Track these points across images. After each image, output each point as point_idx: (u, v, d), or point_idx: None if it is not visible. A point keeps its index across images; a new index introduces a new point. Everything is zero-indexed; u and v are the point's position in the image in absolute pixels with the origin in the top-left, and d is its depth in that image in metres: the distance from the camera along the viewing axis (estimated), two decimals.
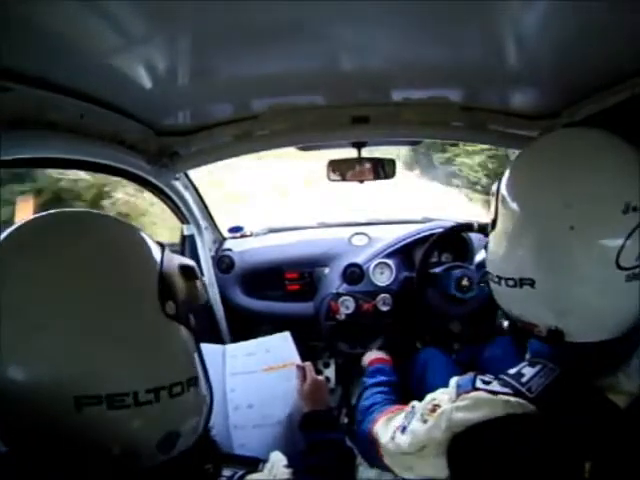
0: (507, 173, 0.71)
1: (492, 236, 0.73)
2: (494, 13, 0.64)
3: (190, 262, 0.62)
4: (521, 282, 0.64)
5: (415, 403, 0.76)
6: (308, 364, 1.09)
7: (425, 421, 0.70)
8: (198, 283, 0.62)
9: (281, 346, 1.17)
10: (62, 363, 0.44)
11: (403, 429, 0.74)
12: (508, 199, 0.68)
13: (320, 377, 1.06)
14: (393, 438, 0.76)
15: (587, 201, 0.59)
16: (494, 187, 0.73)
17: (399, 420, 0.77)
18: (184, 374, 0.52)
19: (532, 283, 0.63)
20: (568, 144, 0.66)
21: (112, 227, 0.56)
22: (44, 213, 0.54)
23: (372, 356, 1.27)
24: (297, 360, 1.12)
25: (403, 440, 0.73)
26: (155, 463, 0.50)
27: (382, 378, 1.11)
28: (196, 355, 0.56)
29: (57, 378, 0.44)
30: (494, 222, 0.71)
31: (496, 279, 0.70)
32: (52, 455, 0.45)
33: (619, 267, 0.57)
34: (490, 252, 0.74)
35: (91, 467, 0.46)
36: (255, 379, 1.09)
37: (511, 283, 0.66)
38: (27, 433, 0.46)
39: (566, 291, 0.61)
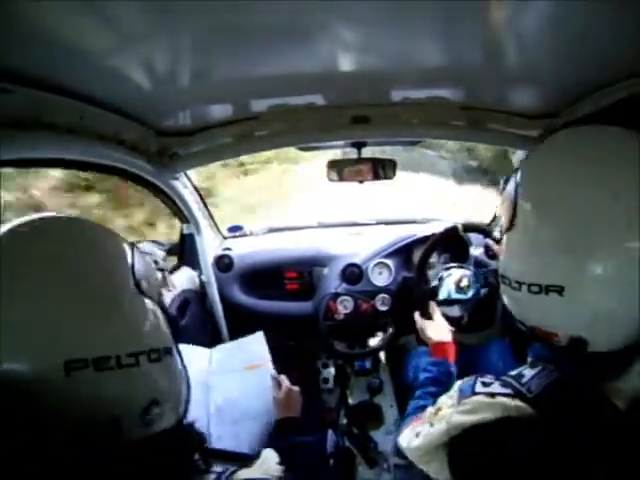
0: (529, 169, 0.67)
1: (509, 237, 0.67)
2: (494, 13, 0.64)
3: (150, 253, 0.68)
4: (547, 289, 0.59)
5: (430, 408, 0.77)
6: (282, 377, 1.13)
7: (432, 425, 0.71)
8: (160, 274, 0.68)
9: (255, 346, 1.22)
10: (52, 332, 0.49)
11: (417, 434, 0.76)
12: (536, 198, 0.63)
13: (295, 387, 1.10)
14: (409, 443, 0.78)
15: (633, 198, 0.54)
16: (509, 185, 0.68)
17: (418, 427, 0.78)
18: (160, 343, 0.58)
19: (561, 290, 0.58)
20: (603, 140, 0.61)
21: (91, 230, 0.62)
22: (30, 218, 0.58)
23: (438, 336, 1.10)
24: (268, 359, 1.17)
25: (416, 444, 0.75)
26: (139, 436, 0.54)
27: (437, 376, 1.00)
28: (169, 333, 0.62)
29: (47, 346, 0.49)
30: (511, 222, 0.66)
31: (515, 284, 0.64)
32: (39, 429, 0.48)
33: None
34: (508, 255, 0.68)
35: (77, 441, 0.49)
36: (235, 378, 1.14)
37: (535, 289, 0.61)
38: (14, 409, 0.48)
39: (598, 298, 0.57)
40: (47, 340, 0.49)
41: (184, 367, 0.65)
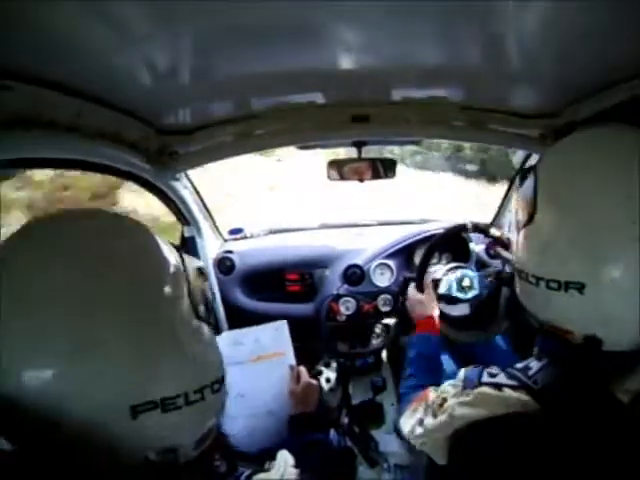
0: (551, 165, 0.66)
1: (528, 232, 0.67)
2: (494, 13, 0.64)
3: (199, 262, 0.65)
4: (567, 285, 0.59)
5: (432, 393, 0.76)
6: (302, 368, 1.09)
7: (435, 416, 0.71)
8: (207, 282, 0.65)
9: (272, 335, 1.17)
10: (117, 376, 0.45)
11: (420, 422, 0.75)
12: (559, 194, 0.63)
13: (314, 381, 1.06)
14: (412, 431, 0.77)
15: None
16: (528, 180, 0.67)
17: (420, 412, 0.77)
18: (220, 371, 0.56)
19: (581, 288, 0.58)
20: (623, 139, 0.61)
21: (135, 232, 0.55)
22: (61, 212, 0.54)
23: (422, 309, 1.14)
24: (289, 350, 1.12)
25: (419, 433, 0.75)
26: (189, 459, 0.52)
27: (422, 350, 1.01)
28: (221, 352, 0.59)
29: (113, 391, 0.45)
30: (531, 217, 0.66)
31: (532, 279, 0.64)
32: (99, 462, 0.46)
33: None
34: (526, 249, 0.67)
35: (132, 471, 0.47)
36: (243, 369, 1.10)
37: (554, 285, 0.60)
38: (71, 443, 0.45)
39: (618, 297, 0.57)
40: (113, 382, 0.45)
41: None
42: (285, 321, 1.21)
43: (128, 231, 0.54)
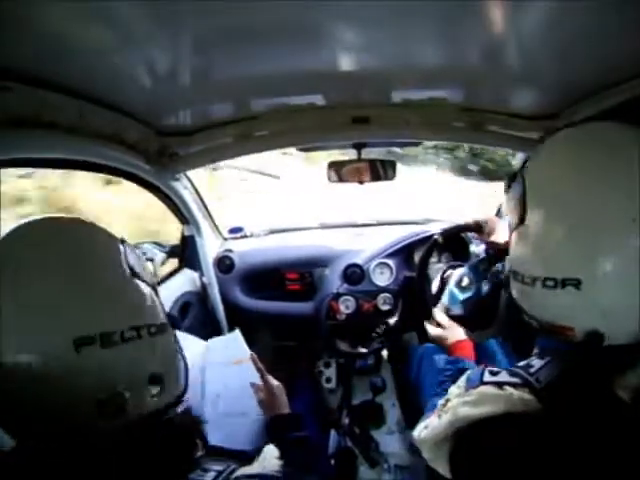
0: (538, 165, 0.67)
1: (520, 233, 0.67)
2: (494, 13, 0.64)
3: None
4: (564, 282, 0.59)
5: (441, 400, 0.76)
6: (265, 375, 1.10)
7: (439, 416, 0.71)
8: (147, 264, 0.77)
9: (236, 343, 1.20)
10: (60, 313, 0.53)
11: (426, 426, 0.75)
12: (548, 193, 0.63)
13: (276, 382, 1.06)
14: (419, 435, 0.77)
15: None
16: (516, 181, 0.67)
17: (429, 419, 0.77)
18: (156, 319, 0.63)
19: (578, 283, 0.58)
20: (613, 135, 0.62)
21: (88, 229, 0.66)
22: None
23: (454, 338, 1.12)
24: (247, 356, 1.14)
25: (424, 436, 0.74)
26: (143, 410, 0.57)
27: (455, 373, 0.98)
28: (163, 313, 0.67)
29: (57, 327, 0.52)
30: (522, 218, 0.66)
31: (528, 280, 0.64)
32: (49, 414, 0.52)
33: None
34: (519, 251, 0.68)
35: (85, 422, 0.53)
36: (227, 370, 1.13)
37: (550, 284, 0.61)
38: (22, 394, 0.52)
39: (615, 291, 0.57)
40: (56, 321, 0.52)
41: (180, 349, 0.70)
42: (238, 330, 1.24)
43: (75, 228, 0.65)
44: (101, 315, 0.55)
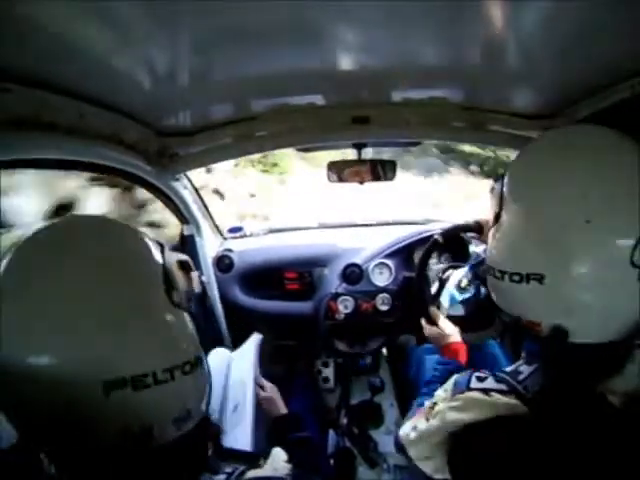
0: (514, 166, 0.69)
1: (496, 230, 0.70)
2: (494, 13, 0.64)
3: (185, 257, 0.69)
4: (528, 277, 0.62)
5: (427, 401, 0.77)
6: (262, 380, 1.12)
7: (427, 419, 0.72)
8: (193, 275, 0.71)
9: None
10: (90, 351, 0.49)
11: (414, 428, 0.76)
12: (518, 191, 0.66)
13: (268, 384, 1.08)
14: (407, 437, 0.78)
15: (604, 195, 0.57)
16: (495, 182, 0.71)
17: (415, 421, 0.78)
18: (192, 353, 0.58)
19: (541, 278, 0.60)
20: (582, 139, 0.64)
21: (122, 232, 0.60)
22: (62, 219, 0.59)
23: (447, 339, 1.12)
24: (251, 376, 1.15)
25: (412, 438, 0.76)
26: (168, 440, 0.54)
27: (444, 374, 0.98)
28: (198, 341, 0.62)
29: (86, 365, 0.48)
30: (498, 216, 0.69)
31: (499, 274, 0.67)
32: (73, 442, 0.50)
33: (633, 265, 0.56)
34: (494, 246, 0.71)
35: (109, 449, 0.50)
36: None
37: (516, 278, 0.63)
38: (47, 419, 0.49)
39: (576, 287, 0.59)
40: (86, 359, 0.48)
41: (209, 373, 0.65)
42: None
43: (106, 232, 0.59)
44: (134, 355, 0.51)
